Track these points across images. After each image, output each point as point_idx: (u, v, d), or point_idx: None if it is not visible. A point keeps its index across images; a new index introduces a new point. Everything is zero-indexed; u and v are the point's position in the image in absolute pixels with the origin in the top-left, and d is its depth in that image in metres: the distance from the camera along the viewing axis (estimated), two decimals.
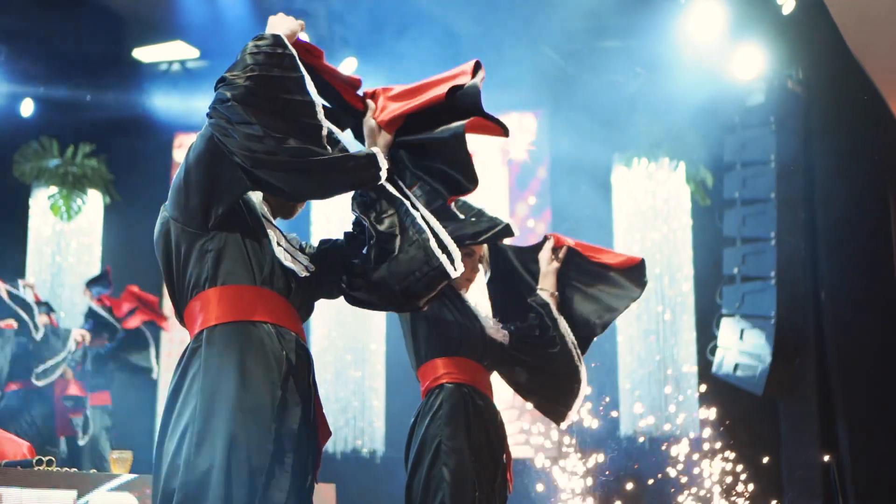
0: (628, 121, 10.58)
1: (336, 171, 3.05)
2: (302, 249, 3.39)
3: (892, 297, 11.31)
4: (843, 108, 10.34)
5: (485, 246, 4.38)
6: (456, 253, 3.25)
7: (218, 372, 3.00)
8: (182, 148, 12.06)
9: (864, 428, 10.00)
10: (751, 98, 10.01)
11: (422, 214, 3.27)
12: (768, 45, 9.63)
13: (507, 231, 4.23)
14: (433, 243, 3.21)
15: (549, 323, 4.38)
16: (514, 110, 11.46)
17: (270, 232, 3.19)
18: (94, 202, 11.74)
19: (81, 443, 9.26)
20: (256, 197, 3.26)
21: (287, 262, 3.17)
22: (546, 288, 4.45)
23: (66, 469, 5.08)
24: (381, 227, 3.22)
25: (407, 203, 3.26)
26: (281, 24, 3.17)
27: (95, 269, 11.57)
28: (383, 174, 3.10)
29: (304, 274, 3.22)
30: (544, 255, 4.50)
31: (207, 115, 3.09)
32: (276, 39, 3.09)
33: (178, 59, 11.94)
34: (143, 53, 11.81)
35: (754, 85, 9.92)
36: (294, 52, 3.10)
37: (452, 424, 4.05)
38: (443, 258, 3.18)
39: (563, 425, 4.45)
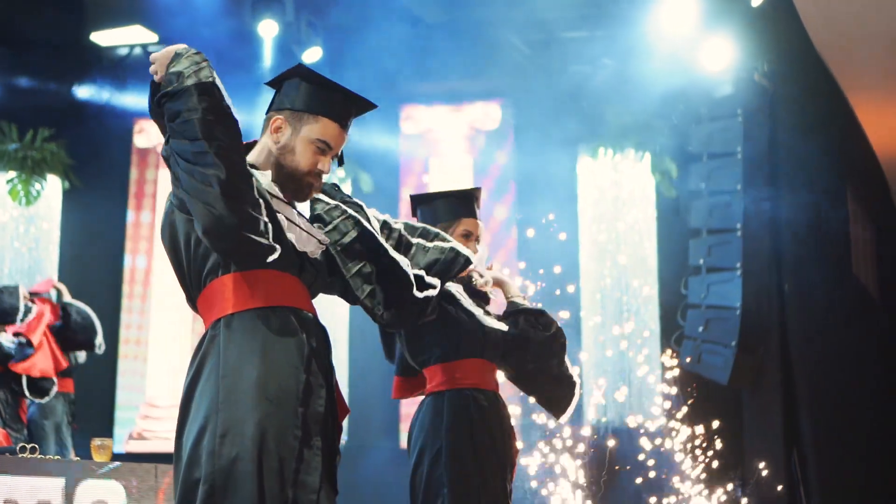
0: (594, 111, 10.59)
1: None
2: (325, 191, 3.37)
3: (850, 290, 11.44)
4: (806, 102, 10.43)
5: (480, 225, 4.33)
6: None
7: (239, 360, 2.95)
8: (143, 133, 11.93)
9: (827, 419, 10.10)
10: (719, 90, 10.06)
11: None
12: (737, 37, 9.69)
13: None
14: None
15: (539, 312, 4.37)
16: (478, 100, 11.45)
17: (280, 211, 3.10)
18: (53, 187, 11.57)
19: None
20: (265, 178, 3.16)
21: (300, 245, 3.12)
22: (515, 294, 4.42)
23: (57, 457, 5.01)
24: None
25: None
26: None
27: (54, 256, 11.43)
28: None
29: (316, 255, 3.18)
30: (484, 275, 4.42)
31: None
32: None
33: (136, 44, 11.80)
34: (102, 38, 11.65)
35: (723, 77, 9.97)
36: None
37: (454, 431, 4.02)
38: (458, 247, 3.21)
39: (563, 419, 4.42)
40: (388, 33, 10.20)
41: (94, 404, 10.61)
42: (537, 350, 4.30)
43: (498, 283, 4.44)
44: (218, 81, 2.94)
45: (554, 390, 4.38)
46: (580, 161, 10.88)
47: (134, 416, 11.43)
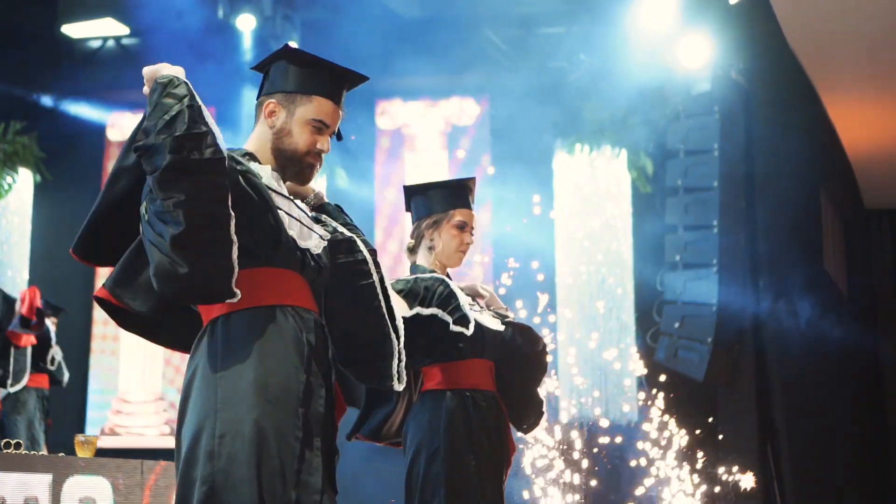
0: (571, 107, 10.61)
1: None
2: (328, 211, 3.32)
3: (823, 286, 11.54)
4: (782, 100, 10.50)
5: (475, 216, 4.31)
6: None
7: (238, 360, 2.90)
8: (115, 127, 11.83)
9: (801, 415, 10.17)
10: (696, 87, 10.10)
11: None
12: (715, 34, 9.73)
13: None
14: None
15: (527, 327, 4.35)
16: (456, 95, 11.44)
17: (281, 206, 3.05)
18: (24, 181, 11.46)
19: None
20: (265, 172, 3.10)
21: (302, 241, 3.06)
22: (499, 307, 4.38)
23: (44, 453, 4.96)
24: None
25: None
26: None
27: (25, 250, 11.32)
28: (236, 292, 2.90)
29: (318, 251, 3.12)
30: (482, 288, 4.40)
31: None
32: None
33: (107, 36, 11.71)
34: (73, 30, 11.56)
35: (700, 74, 10.01)
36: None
37: (453, 430, 3.98)
38: None
39: (530, 436, 4.36)
40: (365, 28, 10.17)
41: (65, 399, 10.52)
42: (523, 363, 4.27)
43: (492, 296, 4.39)
44: (194, 110, 2.86)
45: (524, 408, 4.31)
46: (556, 157, 10.89)
47: (106, 411, 11.35)
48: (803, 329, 10.60)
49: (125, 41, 11.66)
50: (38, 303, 9.28)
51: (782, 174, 10.36)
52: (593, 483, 9.17)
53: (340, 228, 3.26)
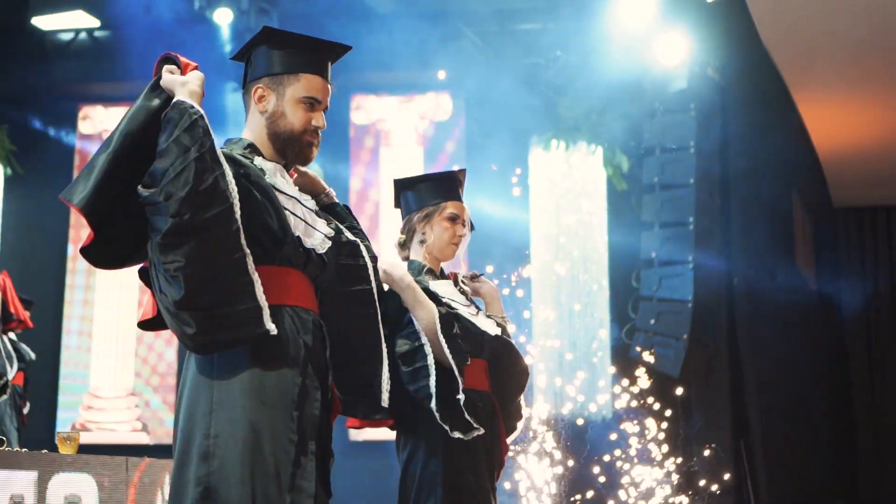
0: (547, 104, 10.61)
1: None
2: (337, 212, 3.29)
3: (794, 283, 11.63)
4: (756, 99, 10.57)
5: (467, 208, 4.26)
6: None
7: (234, 361, 2.86)
8: (86, 120, 11.71)
9: (774, 410, 10.24)
10: (673, 84, 10.13)
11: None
12: (693, 31, 9.76)
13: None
14: None
15: (509, 345, 4.25)
16: (431, 90, 11.41)
17: (286, 206, 3.02)
18: None
19: None
20: (268, 167, 3.06)
21: (306, 239, 3.03)
22: (497, 314, 4.31)
23: (24, 450, 4.90)
24: None
25: None
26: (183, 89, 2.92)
27: None
28: (270, 326, 2.85)
29: (322, 250, 3.08)
30: (486, 288, 4.34)
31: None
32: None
33: (77, 29, 11.59)
34: (43, 22, 11.42)
35: (677, 72, 10.04)
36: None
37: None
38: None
39: (509, 440, 4.28)
40: (341, 23, 10.13)
41: (36, 395, 10.41)
42: (503, 384, 4.21)
43: (487, 296, 4.37)
44: (204, 161, 2.77)
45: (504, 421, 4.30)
46: (532, 153, 10.89)
47: (77, 406, 11.25)
48: (776, 325, 10.69)
49: (97, 34, 11.54)
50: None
51: (757, 172, 10.43)
52: (565, 476, 9.17)
53: (346, 232, 3.23)
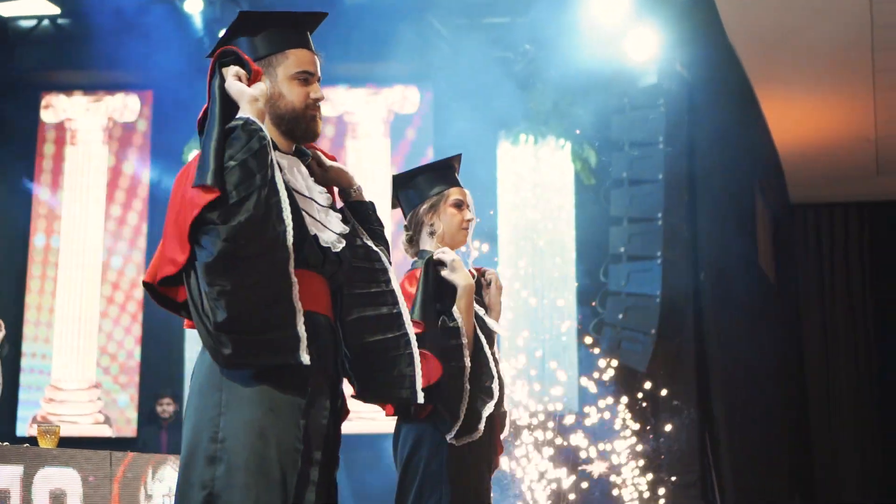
0: (516, 97, 10.60)
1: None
2: (363, 210, 3.25)
3: (757, 279, 11.75)
4: (722, 95, 10.65)
5: (468, 193, 4.24)
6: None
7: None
8: (49, 109, 11.54)
9: (738, 405, 10.34)
10: (642, 80, 10.17)
11: None
12: (663, 27, 9.80)
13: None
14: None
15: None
16: (398, 83, 11.36)
17: (303, 207, 3.00)
18: None
19: None
20: (283, 161, 3.03)
21: (322, 236, 3.01)
22: (492, 323, 4.24)
23: (12, 444, 4.85)
24: None
25: None
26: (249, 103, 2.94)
27: None
28: (304, 358, 2.85)
29: (338, 248, 3.05)
30: (493, 292, 4.29)
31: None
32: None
33: (39, 16, 11.43)
34: (4, 9, 11.25)
35: (646, 67, 10.08)
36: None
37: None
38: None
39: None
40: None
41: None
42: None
43: (497, 305, 4.30)
44: (269, 189, 2.79)
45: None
46: (500, 147, 10.90)
47: (38, 399, 11.10)
48: (741, 320, 10.79)
49: (60, 21, 11.38)
50: None
51: (723, 168, 10.52)
52: (534, 471, 9.21)
53: (363, 236, 3.20)
